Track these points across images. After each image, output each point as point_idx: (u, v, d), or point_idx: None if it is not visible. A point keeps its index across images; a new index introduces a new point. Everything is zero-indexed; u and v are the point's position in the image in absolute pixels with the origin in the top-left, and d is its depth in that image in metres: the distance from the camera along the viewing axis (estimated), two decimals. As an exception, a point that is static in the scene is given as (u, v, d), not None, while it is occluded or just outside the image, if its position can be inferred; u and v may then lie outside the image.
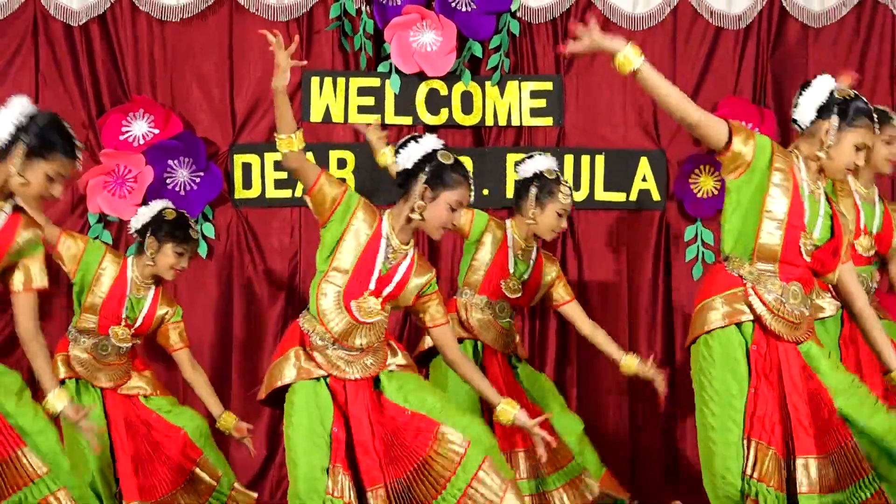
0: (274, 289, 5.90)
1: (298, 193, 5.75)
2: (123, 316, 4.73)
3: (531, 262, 4.97)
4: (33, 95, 5.81)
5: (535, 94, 5.83)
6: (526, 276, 4.90)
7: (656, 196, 5.84)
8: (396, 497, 3.94)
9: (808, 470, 3.75)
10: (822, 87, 3.83)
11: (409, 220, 3.95)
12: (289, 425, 3.97)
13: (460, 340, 4.61)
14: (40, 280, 3.83)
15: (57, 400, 3.85)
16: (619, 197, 5.85)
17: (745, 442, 3.74)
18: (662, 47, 5.93)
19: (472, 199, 4.08)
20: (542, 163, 4.90)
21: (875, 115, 3.85)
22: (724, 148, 3.73)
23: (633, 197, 5.84)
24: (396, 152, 4.05)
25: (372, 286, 3.92)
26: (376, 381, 4.04)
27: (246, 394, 5.74)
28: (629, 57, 3.55)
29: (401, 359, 4.14)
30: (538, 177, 4.82)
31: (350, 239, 3.90)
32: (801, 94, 3.87)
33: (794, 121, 3.89)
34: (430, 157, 3.94)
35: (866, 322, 3.96)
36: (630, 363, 4.79)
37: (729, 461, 3.71)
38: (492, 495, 3.88)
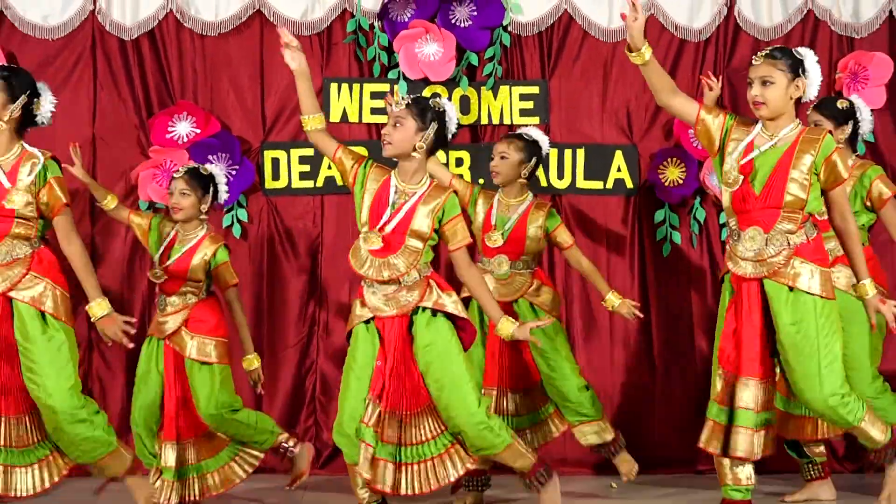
0: (298, 265, 6.07)
1: (320, 184, 5.98)
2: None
3: (517, 213, 5.11)
4: (92, 100, 6.02)
5: (523, 97, 6.04)
6: (508, 228, 5.05)
7: (629, 184, 6.04)
8: (412, 426, 4.18)
9: (748, 389, 4.16)
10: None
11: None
12: (346, 364, 4.27)
13: (466, 300, 4.71)
14: (65, 197, 4.15)
15: (98, 307, 4.13)
16: (597, 185, 6.05)
17: (721, 371, 4.23)
18: None
19: (396, 108, 4.23)
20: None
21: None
22: (695, 121, 4.20)
23: (610, 185, 6.05)
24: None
25: (382, 224, 4.15)
26: (412, 323, 4.20)
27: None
28: (643, 53, 4.09)
29: (441, 299, 4.20)
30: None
31: (367, 197, 4.19)
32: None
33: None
34: None
35: (848, 238, 4.22)
36: (612, 300, 5.16)
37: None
38: (444, 474, 4.20)
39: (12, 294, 4.10)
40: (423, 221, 4.15)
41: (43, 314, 4.14)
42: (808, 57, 4.23)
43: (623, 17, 4.07)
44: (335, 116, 6.03)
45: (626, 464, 5.24)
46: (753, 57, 4.26)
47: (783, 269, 4.12)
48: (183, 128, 5.94)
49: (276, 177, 6.06)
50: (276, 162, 6.05)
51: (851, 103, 5.13)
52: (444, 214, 4.20)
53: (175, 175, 5.06)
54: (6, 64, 4.29)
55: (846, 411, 4.18)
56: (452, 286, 4.37)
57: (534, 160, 5.15)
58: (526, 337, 4.24)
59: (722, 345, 4.25)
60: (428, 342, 4.16)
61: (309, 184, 6.02)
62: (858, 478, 5.61)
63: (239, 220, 6.01)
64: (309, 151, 6.02)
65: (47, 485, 4.33)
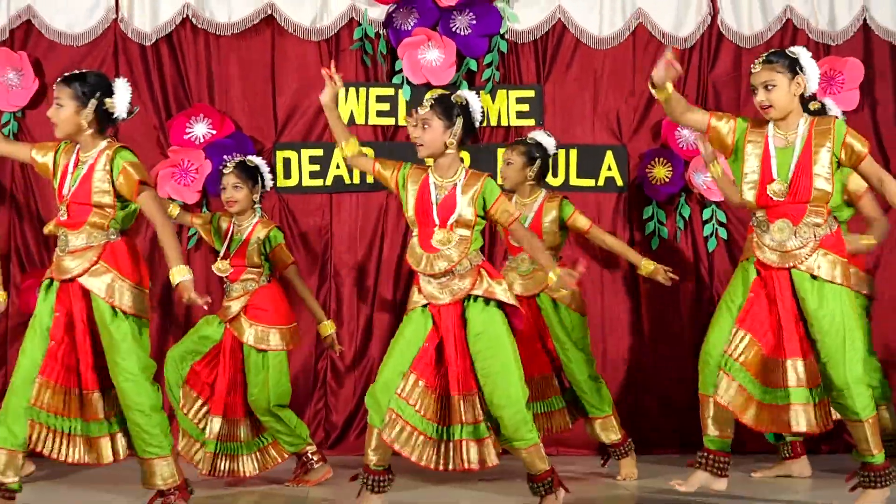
0: (310, 259, 6.23)
1: (329, 182, 6.16)
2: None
3: (532, 210, 5.29)
4: None
5: (520, 101, 6.24)
6: (526, 224, 5.17)
7: (619, 182, 6.25)
8: (463, 408, 4.29)
9: (795, 370, 4.30)
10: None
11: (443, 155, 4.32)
12: (394, 338, 4.40)
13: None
14: (139, 176, 4.21)
15: (178, 273, 4.13)
16: (589, 183, 6.26)
17: (734, 330, 4.33)
18: (623, 63, 6.35)
19: (422, 111, 4.35)
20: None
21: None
22: (707, 129, 4.34)
23: (601, 183, 6.26)
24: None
25: (436, 220, 4.28)
26: (465, 310, 4.30)
27: None
28: (666, 89, 4.30)
29: (492, 287, 4.29)
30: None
31: (411, 199, 4.35)
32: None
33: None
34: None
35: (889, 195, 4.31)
36: (647, 266, 5.26)
37: (715, 340, 4.33)
38: (486, 456, 4.30)
39: (82, 280, 4.25)
40: (466, 210, 4.28)
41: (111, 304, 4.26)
42: (802, 54, 4.40)
43: (668, 63, 4.26)
44: (343, 118, 5.90)
45: (627, 468, 5.33)
46: (752, 65, 4.41)
47: (808, 259, 4.27)
48: (199, 129, 6.12)
49: (287, 175, 6.23)
50: (287, 161, 6.23)
51: (823, 105, 5.29)
52: (486, 199, 4.31)
53: (224, 171, 5.24)
54: (77, 71, 4.34)
55: (861, 400, 4.29)
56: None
57: (538, 162, 5.32)
58: (571, 281, 4.28)
59: (753, 322, 4.35)
60: (479, 330, 4.27)
61: (319, 182, 6.21)
62: (838, 459, 5.75)
63: None
64: (318, 151, 6.23)
65: (105, 461, 4.38)
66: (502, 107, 6.28)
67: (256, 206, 5.28)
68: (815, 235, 4.27)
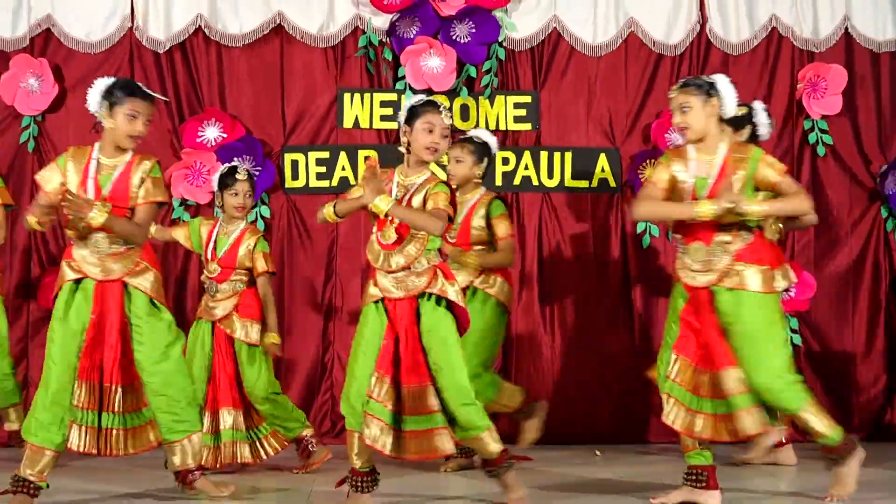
0: (316, 257, 6.40)
1: (335, 183, 6.30)
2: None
3: (467, 207, 5.30)
4: None
5: (517, 106, 6.36)
6: (459, 222, 5.23)
7: (612, 183, 6.39)
8: (411, 398, 4.33)
9: (732, 378, 4.36)
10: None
11: (405, 156, 4.37)
12: (353, 341, 4.45)
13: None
14: (164, 196, 4.49)
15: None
16: (583, 184, 6.38)
17: (672, 356, 4.48)
18: (617, 69, 6.48)
19: (446, 121, 4.32)
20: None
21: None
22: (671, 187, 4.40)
23: (595, 184, 6.39)
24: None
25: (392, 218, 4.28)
26: (418, 305, 4.34)
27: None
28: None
29: (445, 287, 4.35)
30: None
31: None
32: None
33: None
34: (408, 108, 4.39)
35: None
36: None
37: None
38: (441, 445, 4.34)
39: (128, 279, 4.47)
40: (419, 207, 4.34)
41: (151, 298, 4.50)
42: (720, 80, 4.48)
43: None
44: (348, 123, 6.39)
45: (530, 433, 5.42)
46: (670, 91, 4.55)
47: (727, 273, 4.37)
48: (211, 133, 6.28)
49: (295, 177, 6.40)
50: (294, 164, 6.40)
51: (750, 108, 5.26)
52: (428, 193, 4.34)
53: (240, 178, 5.39)
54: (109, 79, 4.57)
55: (789, 396, 4.41)
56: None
57: (485, 160, 5.38)
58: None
59: (684, 345, 4.47)
60: (430, 328, 4.34)
61: (325, 183, 6.37)
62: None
63: (262, 217, 6.35)
64: (325, 154, 6.42)
65: (131, 450, 4.55)
66: (500, 112, 6.40)
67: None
68: (727, 251, 4.37)
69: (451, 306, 4.37)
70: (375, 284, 4.41)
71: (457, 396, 4.33)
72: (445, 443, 4.36)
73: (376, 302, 4.41)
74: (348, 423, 4.41)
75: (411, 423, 4.35)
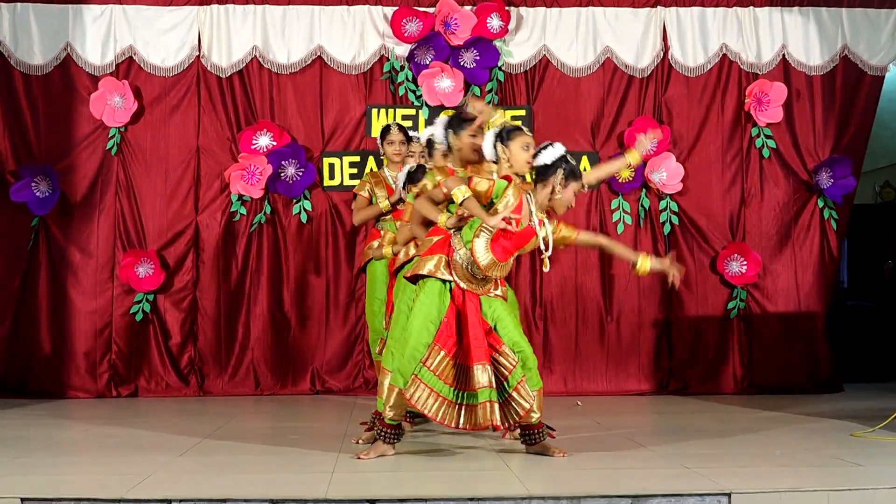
0: (350, 245, 7.10)
1: None
2: None
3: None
4: (196, 121, 7.09)
5: (514, 118, 6.68)
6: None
7: None
8: (464, 375, 4.40)
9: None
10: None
11: (549, 198, 4.43)
12: (414, 307, 4.47)
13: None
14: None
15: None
16: None
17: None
18: (597, 88, 7.24)
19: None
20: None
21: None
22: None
23: None
24: (538, 153, 4.44)
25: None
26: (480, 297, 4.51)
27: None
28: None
29: (499, 290, 4.56)
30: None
31: (501, 208, 4.41)
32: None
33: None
34: (563, 158, 4.45)
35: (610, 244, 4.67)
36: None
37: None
38: (523, 401, 4.39)
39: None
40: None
41: None
42: (436, 124, 4.93)
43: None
44: (376, 132, 7.11)
45: None
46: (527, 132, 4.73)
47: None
48: (263, 140, 7.08)
49: (332, 177, 7.18)
50: (332, 166, 7.17)
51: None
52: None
53: (393, 131, 5.74)
54: None
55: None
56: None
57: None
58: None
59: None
60: (493, 306, 4.52)
61: (356, 182, 6.85)
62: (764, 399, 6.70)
63: (305, 210, 7.16)
64: (356, 158, 7.21)
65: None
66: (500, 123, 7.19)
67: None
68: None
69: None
70: (448, 266, 4.44)
71: (525, 346, 4.44)
72: (495, 414, 4.33)
73: (444, 282, 4.46)
74: (394, 378, 4.44)
75: (483, 396, 4.35)
